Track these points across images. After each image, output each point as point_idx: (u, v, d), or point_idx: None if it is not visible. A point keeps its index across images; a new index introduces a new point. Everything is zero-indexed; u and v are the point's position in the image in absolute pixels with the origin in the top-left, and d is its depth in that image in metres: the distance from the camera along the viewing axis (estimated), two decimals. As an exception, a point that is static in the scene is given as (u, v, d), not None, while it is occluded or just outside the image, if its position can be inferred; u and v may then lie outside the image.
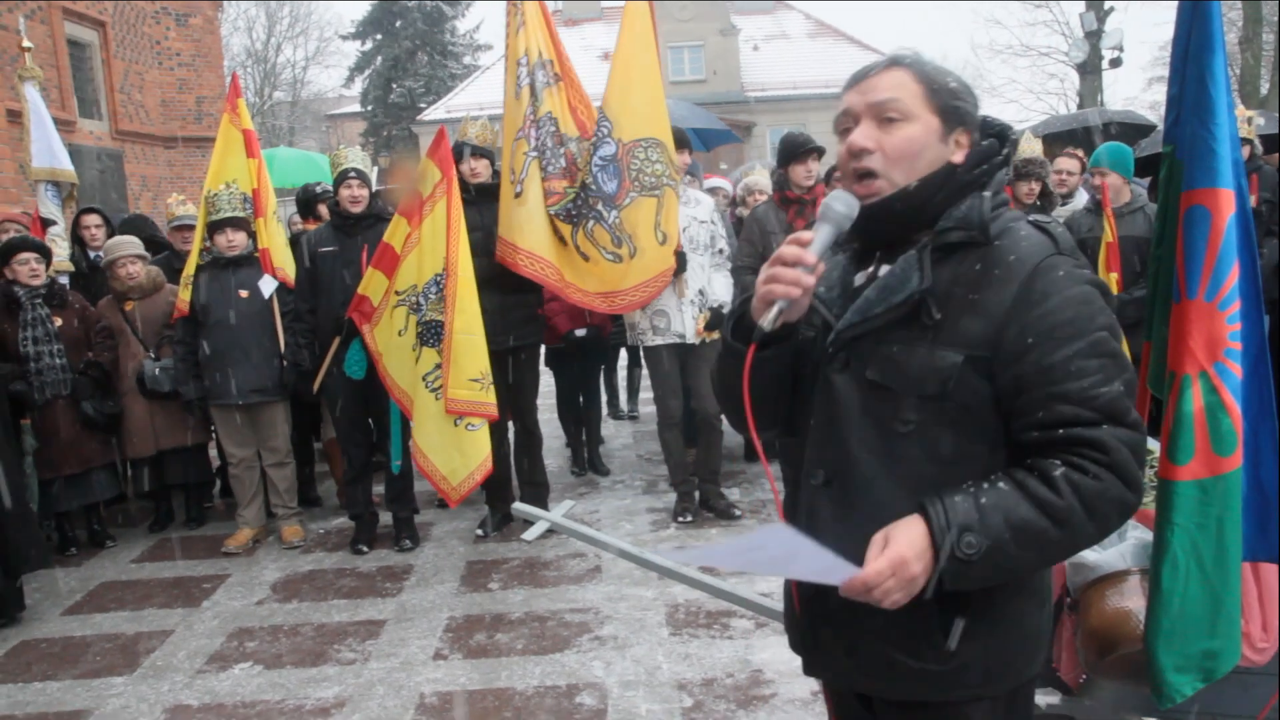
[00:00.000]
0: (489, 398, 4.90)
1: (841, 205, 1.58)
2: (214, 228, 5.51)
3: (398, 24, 34.52)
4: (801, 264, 1.54)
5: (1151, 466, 2.86)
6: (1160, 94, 30.41)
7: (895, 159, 1.56)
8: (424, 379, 5.01)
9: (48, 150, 6.71)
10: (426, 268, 5.03)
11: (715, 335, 5.46)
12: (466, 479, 4.92)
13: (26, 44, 7.04)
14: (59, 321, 5.49)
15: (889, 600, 1.43)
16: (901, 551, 1.43)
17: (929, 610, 1.51)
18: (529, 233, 5.24)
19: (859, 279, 1.66)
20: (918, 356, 1.53)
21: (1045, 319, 1.47)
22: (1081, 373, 1.46)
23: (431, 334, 5.00)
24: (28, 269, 5.44)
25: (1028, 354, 1.48)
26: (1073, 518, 1.44)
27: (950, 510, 1.44)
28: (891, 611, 1.48)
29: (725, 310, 5.44)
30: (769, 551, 1.49)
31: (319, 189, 6.79)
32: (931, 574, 1.44)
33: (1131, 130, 9.64)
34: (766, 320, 1.55)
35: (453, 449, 4.93)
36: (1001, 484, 1.47)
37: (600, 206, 5.22)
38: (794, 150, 5.52)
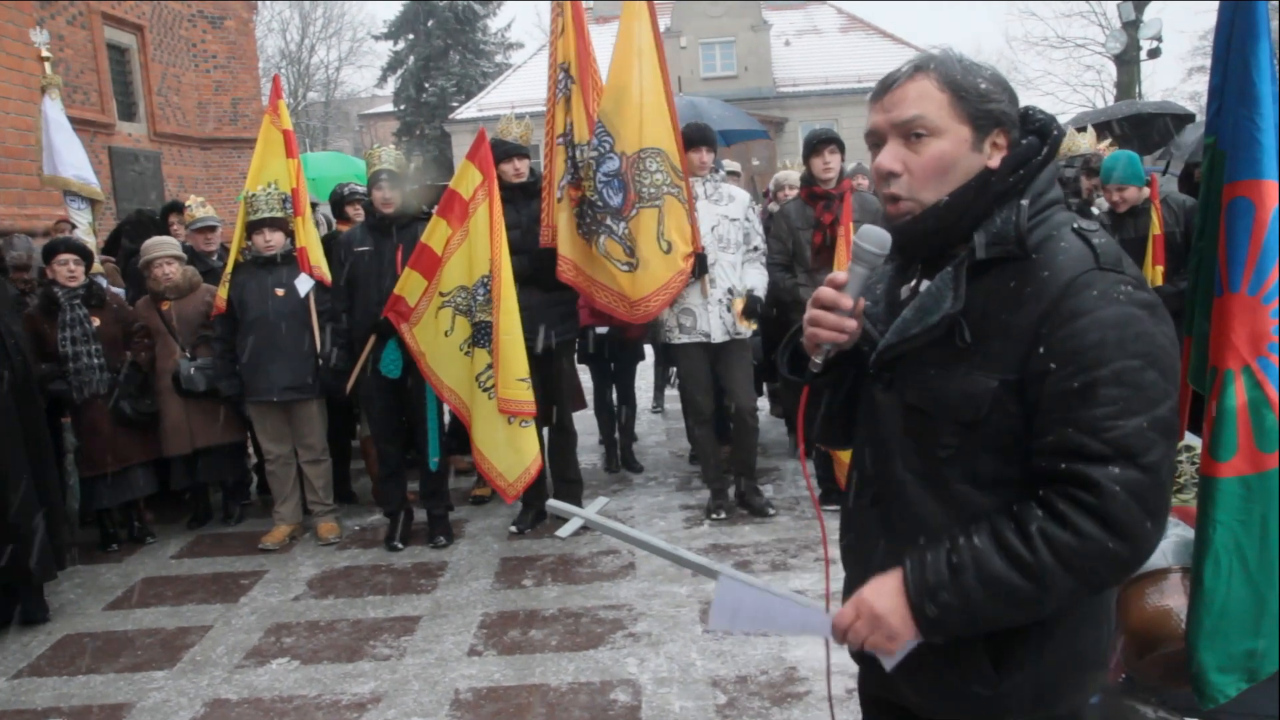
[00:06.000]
0: (532, 396, 5.00)
1: (871, 244, 1.54)
2: (252, 227, 5.58)
3: (429, 23, 34.72)
4: (839, 308, 1.53)
5: (1193, 463, 2.82)
6: (1200, 85, 29.91)
7: (923, 179, 1.49)
8: (477, 379, 5.10)
9: (50, 160, 6.71)
10: (475, 269, 5.10)
11: (753, 325, 5.45)
12: (522, 475, 5.03)
13: (45, 54, 7.10)
14: (97, 322, 5.58)
15: (870, 644, 1.49)
16: (865, 597, 1.49)
17: (975, 638, 1.50)
18: (566, 239, 5.33)
19: (904, 292, 1.62)
20: (954, 381, 1.46)
21: (1069, 341, 1.38)
22: (1097, 401, 1.36)
23: (483, 335, 5.09)
24: (66, 270, 5.53)
25: (1048, 377, 1.39)
26: (1045, 574, 1.38)
27: (924, 569, 1.45)
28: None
29: (759, 295, 5.39)
30: (745, 611, 1.62)
31: (347, 190, 6.84)
32: (914, 629, 1.47)
33: (1166, 120, 9.48)
34: (815, 363, 1.60)
35: (508, 446, 5.03)
36: (977, 539, 1.43)
37: (609, 221, 5.18)
38: (810, 144, 5.50)
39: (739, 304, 5.34)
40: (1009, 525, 1.42)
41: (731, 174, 7.47)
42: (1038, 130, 1.55)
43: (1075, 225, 1.48)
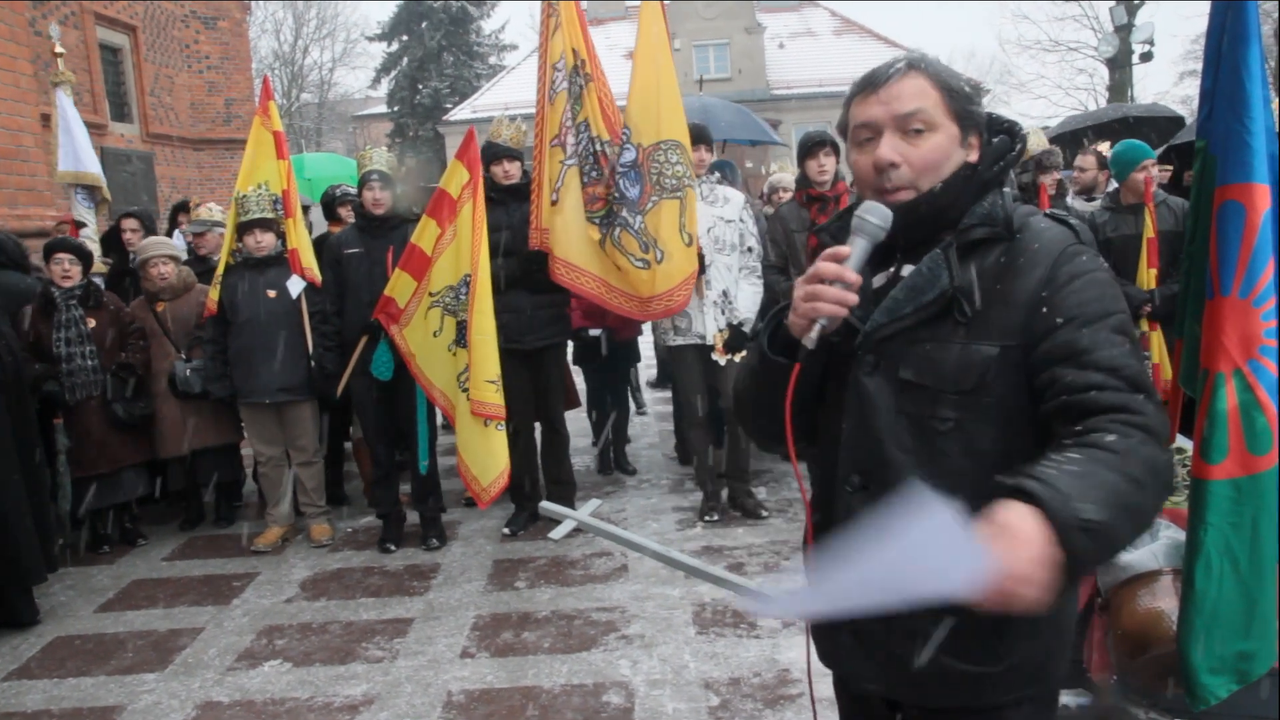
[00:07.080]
0: (501, 400, 4.90)
1: (875, 218, 1.55)
2: (243, 229, 5.56)
3: (423, 25, 34.67)
4: (842, 281, 1.51)
5: (1184, 466, 2.82)
6: (1192, 88, 30.04)
7: (922, 170, 1.55)
8: (458, 379, 5.05)
9: (72, 155, 6.78)
10: (460, 268, 5.05)
11: (738, 356, 5.35)
12: (496, 479, 4.93)
13: (59, 49, 7.12)
14: (92, 323, 5.55)
15: (1031, 599, 1.21)
16: (1013, 523, 1.23)
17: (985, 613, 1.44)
18: (565, 242, 5.22)
19: (877, 280, 1.64)
20: (953, 353, 1.52)
21: (1072, 297, 1.48)
22: (1109, 344, 1.45)
23: (463, 335, 5.03)
24: (60, 269, 5.52)
25: (1056, 332, 1.47)
26: (1142, 477, 1.32)
27: (1057, 486, 1.26)
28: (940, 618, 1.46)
29: (745, 328, 5.36)
30: (880, 568, 1.23)
31: (338, 192, 6.84)
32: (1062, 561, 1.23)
33: (1163, 123, 9.52)
34: (810, 339, 1.53)
35: (483, 450, 4.95)
36: (1073, 459, 1.31)
37: (625, 213, 5.11)
38: (805, 146, 5.49)
39: (719, 338, 5.33)
40: (1087, 446, 1.34)
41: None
42: (1006, 131, 1.65)
43: (1046, 211, 1.62)
